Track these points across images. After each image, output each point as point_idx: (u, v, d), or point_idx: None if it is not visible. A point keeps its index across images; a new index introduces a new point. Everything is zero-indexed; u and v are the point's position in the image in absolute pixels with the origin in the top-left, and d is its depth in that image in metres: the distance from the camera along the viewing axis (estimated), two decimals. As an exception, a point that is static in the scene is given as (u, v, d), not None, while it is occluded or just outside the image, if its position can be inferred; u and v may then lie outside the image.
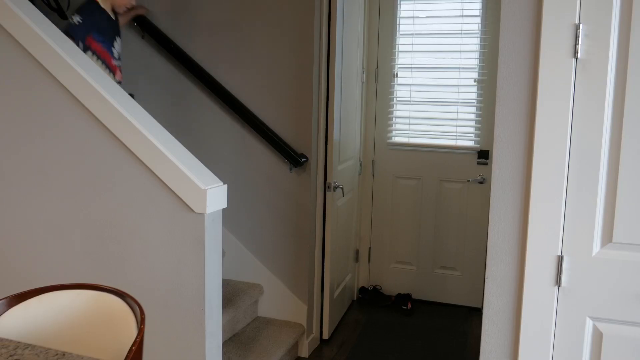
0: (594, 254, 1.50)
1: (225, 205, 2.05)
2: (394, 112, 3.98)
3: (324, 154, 3.19)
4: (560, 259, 1.52)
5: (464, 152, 3.85)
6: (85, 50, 2.64)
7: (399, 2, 3.87)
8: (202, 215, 1.93)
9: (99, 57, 2.69)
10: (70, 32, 2.58)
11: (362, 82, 3.89)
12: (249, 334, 3.07)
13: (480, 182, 3.81)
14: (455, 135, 3.86)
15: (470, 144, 3.85)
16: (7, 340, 1.31)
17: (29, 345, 1.29)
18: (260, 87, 3.10)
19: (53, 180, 2.14)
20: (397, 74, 3.93)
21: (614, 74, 1.44)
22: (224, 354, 2.72)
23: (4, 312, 1.41)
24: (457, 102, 3.82)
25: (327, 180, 3.19)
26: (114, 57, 2.79)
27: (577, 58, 1.45)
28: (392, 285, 4.14)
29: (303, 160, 3.07)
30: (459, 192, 3.87)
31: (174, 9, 3.26)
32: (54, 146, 2.11)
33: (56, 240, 2.16)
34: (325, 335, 3.34)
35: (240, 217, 3.22)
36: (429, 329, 3.58)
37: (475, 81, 3.78)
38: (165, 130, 2.07)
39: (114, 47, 2.79)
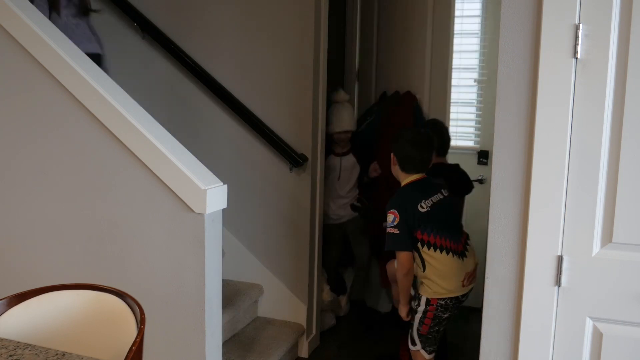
0: (594, 254, 1.50)
1: (225, 206, 2.05)
2: (394, 112, 3.97)
3: (323, 154, 3.19)
4: (560, 259, 1.52)
5: (464, 152, 3.84)
6: None
7: (399, 2, 3.87)
8: (202, 215, 1.93)
9: None
10: None
11: (362, 82, 3.88)
12: (249, 334, 3.07)
13: (480, 182, 3.80)
14: (455, 136, 3.85)
15: (470, 144, 3.85)
16: (7, 340, 1.31)
17: (29, 345, 1.29)
18: (260, 87, 3.10)
19: (53, 181, 2.14)
20: (397, 74, 3.92)
21: (614, 74, 1.44)
22: (224, 354, 2.71)
23: (4, 312, 1.41)
24: (457, 102, 3.82)
25: None
26: None
27: (577, 58, 1.45)
28: (392, 286, 4.12)
29: (303, 160, 3.07)
30: (459, 192, 3.86)
31: (174, 9, 3.26)
32: (54, 147, 2.11)
33: (56, 241, 2.16)
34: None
35: (240, 217, 3.22)
36: (429, 329, 3.57)
37: (475, 81, 3.77)
38: (165, 131, 2.07)
39: None
